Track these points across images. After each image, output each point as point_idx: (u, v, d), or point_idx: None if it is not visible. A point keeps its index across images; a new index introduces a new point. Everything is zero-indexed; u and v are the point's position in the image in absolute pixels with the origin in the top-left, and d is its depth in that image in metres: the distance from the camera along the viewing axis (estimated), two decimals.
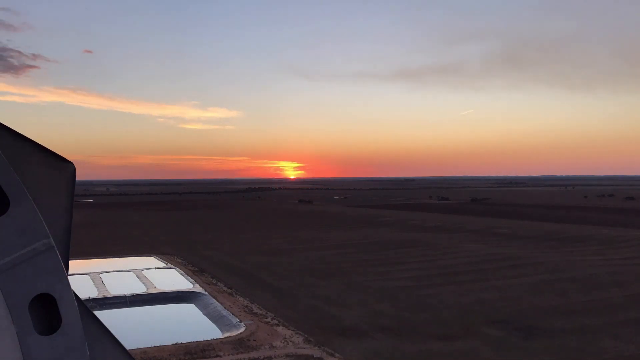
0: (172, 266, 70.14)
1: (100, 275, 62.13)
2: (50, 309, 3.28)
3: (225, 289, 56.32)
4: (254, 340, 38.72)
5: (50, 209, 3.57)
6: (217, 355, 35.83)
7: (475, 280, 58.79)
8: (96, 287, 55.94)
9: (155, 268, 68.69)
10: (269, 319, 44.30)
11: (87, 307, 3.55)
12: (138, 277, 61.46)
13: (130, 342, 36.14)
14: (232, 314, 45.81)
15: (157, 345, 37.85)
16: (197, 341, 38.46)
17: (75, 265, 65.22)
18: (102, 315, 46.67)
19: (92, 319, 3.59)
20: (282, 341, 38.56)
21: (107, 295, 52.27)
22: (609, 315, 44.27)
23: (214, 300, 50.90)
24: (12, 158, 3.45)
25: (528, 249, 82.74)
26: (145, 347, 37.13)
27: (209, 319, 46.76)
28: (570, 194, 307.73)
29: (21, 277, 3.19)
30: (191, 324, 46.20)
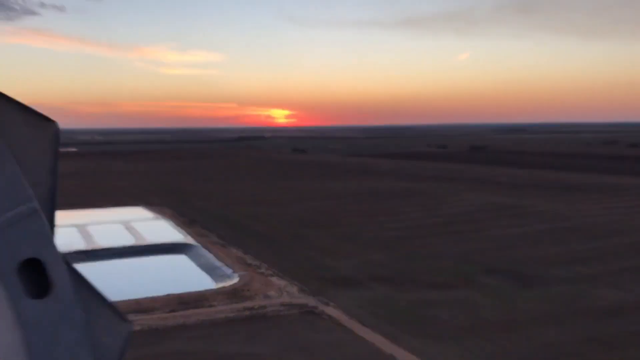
0: (162, 217, 68.72)
1: (88, 227, 60.81)
2: (40, 273, 3.23)
3: (217, 240, 55.63)
4: (248, 291, 38.40)
5: (34, 171, 3.41)
6: (211, 305, 35.56)
7: (472, 230, 58.29)
8: (84, 239, 54.81)
9: (144, 219, 67.27)
10: (263, 270, 43.86)
11: (77, 270, 3.46)
12: (127, 229, 60.28)
13: (122, 293, 35.61)
14: (226, 265, 45.30)
15: (150, 296, 37.43)
16: (190, 292, 38.08)
17: (61, 217, 62.41)
18: (92, 267, 46.01)
19: (82, 281, 3.54)
20: (277, 291, 38.26)
21: (95, 247, 51.33)
22: (607, 264, 44.10)
23: (206, 251, 50.19)
24: None
25: (528, 197, 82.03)
26: (138, 298, 36.70)
27: (202, 270, 46.19)
28: (573, 141, 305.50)
29: (6, 241, 3.12)
30: (183, 275, 45.71)
